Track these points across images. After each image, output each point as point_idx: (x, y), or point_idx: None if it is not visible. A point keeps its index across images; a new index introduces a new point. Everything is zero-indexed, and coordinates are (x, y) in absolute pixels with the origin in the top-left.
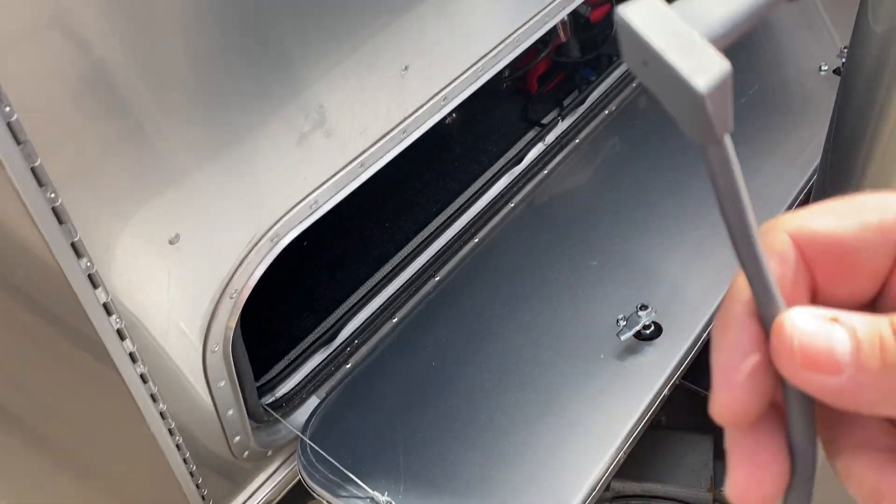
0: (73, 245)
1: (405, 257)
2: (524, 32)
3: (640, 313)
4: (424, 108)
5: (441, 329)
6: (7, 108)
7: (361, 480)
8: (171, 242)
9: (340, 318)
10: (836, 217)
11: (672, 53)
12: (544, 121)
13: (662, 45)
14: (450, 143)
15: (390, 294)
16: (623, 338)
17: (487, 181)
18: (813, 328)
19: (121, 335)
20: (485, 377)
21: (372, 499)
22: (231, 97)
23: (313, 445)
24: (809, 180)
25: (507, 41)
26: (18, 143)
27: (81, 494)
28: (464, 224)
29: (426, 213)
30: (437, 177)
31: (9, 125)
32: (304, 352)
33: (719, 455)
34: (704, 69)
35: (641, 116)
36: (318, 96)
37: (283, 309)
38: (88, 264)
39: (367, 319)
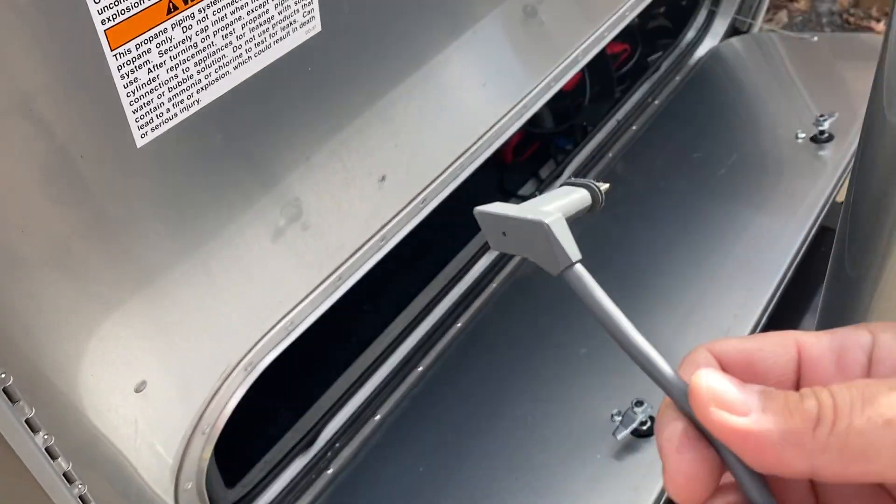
0: (27, 421)
1: (386, 347)
2: (503, 125)
3: (636, 409)
4: (403, 213)
5: (428, 429)
6: None
7: None
8: (136, 391)
9: (319, 419)
10: (747, 337)
11: (520, 212)
12: (521, 192)
13: (512, 212)
14: (426, 219)
15: (372, 389)
16: (619, 436)
17: (469, 260)
18: (723, 378)
19: (83, 501)
20: (475, 483)
21: None
22: (199, 199)
23: None
24: (798, 251)
25: (486, 136)
26: None
27: None
28: (446, 308)
29: (405, 296)
30: (413, 254)
31: None
32: (282, 460)
33: None
34: (544, 213)
35: (621, 188)
36: (294, 199)
37: (256, 410)
38: (46, 437)
39: (348, 419)
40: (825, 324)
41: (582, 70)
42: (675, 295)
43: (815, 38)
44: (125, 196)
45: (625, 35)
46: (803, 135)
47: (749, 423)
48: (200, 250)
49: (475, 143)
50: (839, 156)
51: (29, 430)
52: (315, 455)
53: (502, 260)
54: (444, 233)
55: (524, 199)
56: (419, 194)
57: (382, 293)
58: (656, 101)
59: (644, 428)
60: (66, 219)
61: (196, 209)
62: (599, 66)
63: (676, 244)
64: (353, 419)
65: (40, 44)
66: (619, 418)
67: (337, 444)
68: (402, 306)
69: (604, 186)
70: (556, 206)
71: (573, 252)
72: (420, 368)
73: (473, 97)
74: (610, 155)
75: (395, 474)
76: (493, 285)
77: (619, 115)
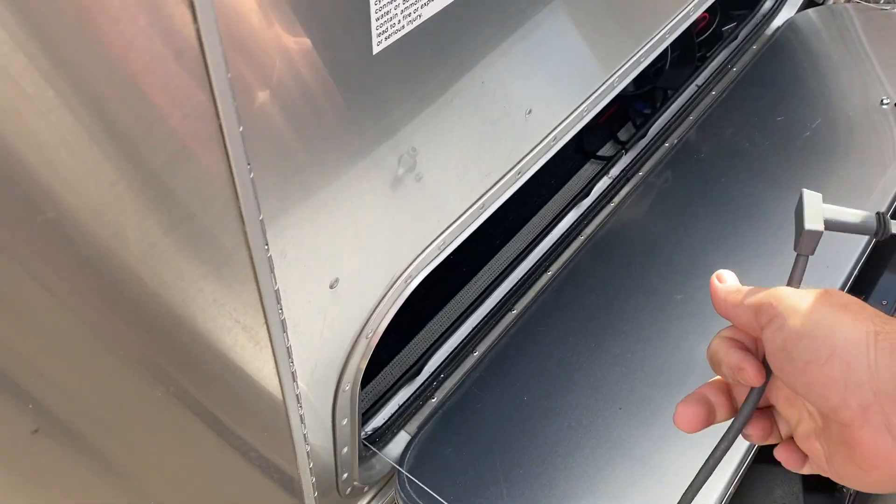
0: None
1: (482, 291)
2: (625, 71)
3: None
4: (539, 147)
5: (527, 363)
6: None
7: None
8: (331, 287)
9: (424, 353)
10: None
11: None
12: (603, 153)
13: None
14: None
15: (471, 328)
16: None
17: (557, 214)
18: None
19: (293, 377)
20: (580, 411)
21: None
22: (404, 106)
23: (414, 479)
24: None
25: (610, 79)
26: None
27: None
28: (537, 257)
29: (494, 246)
30: (501, 208)
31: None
32: (390, 387)
33: (809, 488)
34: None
35: (702, 151)
36: (419, 140)
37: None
38: (280, 310)
39: (450, 354)
40: None
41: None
42: (766, 252)
43: (895, 10)
44: (353, 98)
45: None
46: (888, 100)
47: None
48: (392, 156)
49: (606, 81)
50: None
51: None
52: (421, 384)
53: (595, 209)
54: (527, 190)
55: (603, 159)
56: (553, 130)
57: (476, 243)
58: (734, 69)
59: None
60: (311, 113)
61: (373, 124)
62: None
63: (763, 209)
64: (453, 354)
65: None
66: None
67: (441, 375)
68: (493, 255)
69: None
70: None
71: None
72: (515, 311)
73: (603, 40)
74: (690, 118)
75: (499, 402)
76: (581, 237)
77: (699, 80)
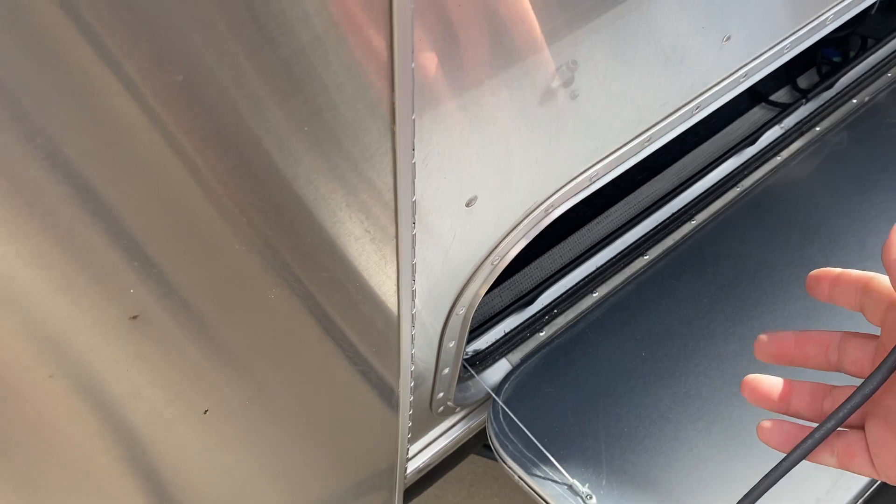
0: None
1: (616, 230)
2: (847, 5)
3: None
4: (727, 81)
5: (652, 316)
6: None
7: (559, 464)
8: (467, 205)
9: (540, 283)
10: None
11: None
12: (777, 99)
13: None
14: None
15: (596, 267)
16: None
17: (714, 161)
18: None
19: (413, 295)
20: (702, 381)
21: (571, 487)
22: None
23: (508, 411)
24: None
25: (827, 13)
26: None
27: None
28: (684, 203)
29: (633, 181)
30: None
31: None
32: (499, 312)
33: None
34: None
35: (895, 114)
36: (582, 54)
37: None
38: (413, 224)
39: (568, 290)
40: None
41: None
42: None
43: None
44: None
45: None
46: None
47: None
48: (548, 66)
49: (815, 18)
50: None
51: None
52: (531, 316)
53: (758, 161)
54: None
55: (778, 105)
56: (745, 65)
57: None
58: None
59: None
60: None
61: (572, 17)
62: None
63: None
64: (572, 291)
65: None
66: None
67: (555, 311)
68: (631, 191)
69: None
70: None
71: None
72: (647, 257)
73: None
74: (888, 76)
75: (613, 352)
76: (737, 188)
77: None
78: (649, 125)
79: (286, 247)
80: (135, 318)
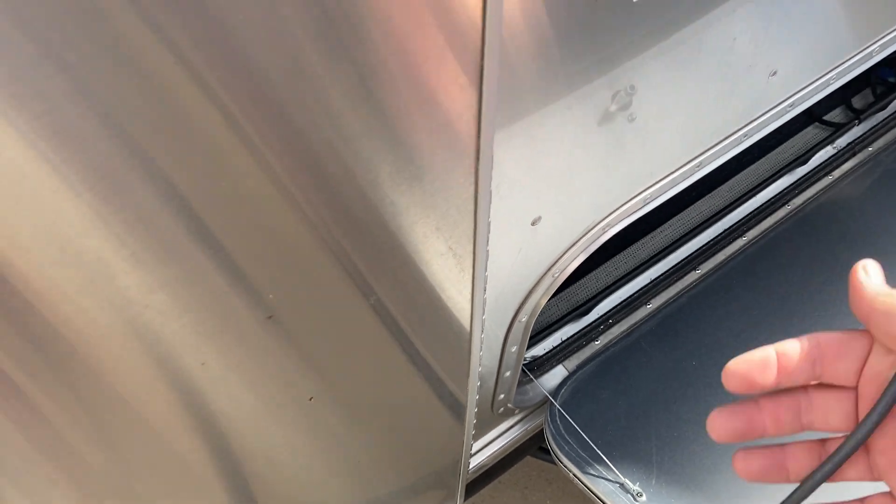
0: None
1: (669, 244)
2: (888, 41)
3: None
4: (775, 111)
5: (704, 327)
6: None
7: (612, 463)
8: (532, 224)
9: (596, 294)
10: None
11: None
12: (831, 118)
13: None
14: None
15: (651, 279)
16: None
17: (767, 179)
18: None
19: (484, 305)
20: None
21: (622, 485)
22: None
23: (565, 414)
24: None
25: (873, 46)
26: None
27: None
28: (736, 220)
29: (687, 198)
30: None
31: None
32: (557, 321)
33: None
34: None
35: None
36: (641, 79)
37: None
38: (486, 241)
39: (623, 301)
40: None
41: None
42: None
43: None
44: (567, 32)
45: None
46: None
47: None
48: (607, 90)
49: (863, 49)
50: None
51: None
52: (588, 325)
53: (810, 179)
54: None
55: (832, 125)
56: (792, 96)
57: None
58: None
59: None
60: (548, 52)
61: (628, 45)
62: None
63: None
64: (627, 302)
65: None
66: None
67: (610, 320)
68: (684, 207)
69: None
70: None
71: None
72: (699, 271)
73: (870, 3)
74: None
75: (665, 360)
76: (788, 206)
77: None
78: (700, 151)
79: (379, 266)
80: (270, 317)
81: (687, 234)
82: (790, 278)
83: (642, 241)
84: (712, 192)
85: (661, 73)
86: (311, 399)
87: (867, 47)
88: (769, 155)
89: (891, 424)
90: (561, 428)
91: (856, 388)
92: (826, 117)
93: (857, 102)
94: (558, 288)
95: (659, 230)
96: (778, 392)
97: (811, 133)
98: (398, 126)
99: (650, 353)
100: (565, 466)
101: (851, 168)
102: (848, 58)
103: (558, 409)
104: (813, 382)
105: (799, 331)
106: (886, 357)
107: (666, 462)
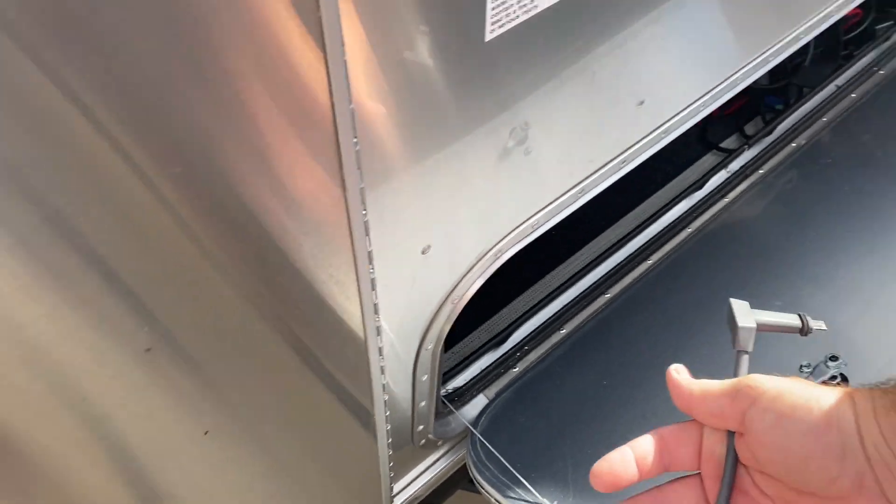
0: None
1: (578, 271)
2: (748, 70)
3: (829, 364)
4: (647, 139)
5: (612, 348)
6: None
7: (531, 485)
8: (422, 252)
9: (511, 323)
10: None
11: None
12: (726, 146)
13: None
14: None
15: (562, 305)
16: None
17: (667, 204)
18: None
19: (378, 331)
20: (656, 404)
21: None
22: (510, 89)
23: (485, 442)
24: None
25: (731, 78)
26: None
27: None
28: (640, 244)
29: (597, 227)
30: (609, 189)
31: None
32: (475, 351)
33: None
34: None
35: (832, 155)
36: (535, 117)
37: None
38: (371, 270)
39: (537, 328)
40: None
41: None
42: (885, 271)
43: None
44: (460, 82)
45: None
46: None
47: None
48: (481, 131)
49: (725, 79)
50: None
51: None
52: (504, 353)
53: (707, 202)
54: (640, 174)
55: (725, 151)
56: (665, 123)
57: (578, 222)
58: (882, 72)
59: (834, 383)
60: (419, 93)
61: (489, 94)
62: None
63: (886, 223)
64: (540, 329)
65: None
66: (809, 370)
67: (525, 347)
68: (593, 236)
69: (816, 324)
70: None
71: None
72: (608, 295)
73: (723, 37)
74: (824, 120)
75: (579, 382)
76: (688, 229)
77: (840, 80)
78: (580, 179)
79: (269, 290)
80: (148, 350)
81: (594, 260)
82: (689, 296)
83: (555, 271)
84: (619, 221)
85: (547, 109)
86: (206, 433)
87: (731, 76)
88: (671, 182)
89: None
90: (482, 455)
91: (699, 472)
92: (722, 144)
93: (749, 129)
94: (476, 320)
95: (571, 259)
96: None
97: (708, 160)
98: (265, 158)
99: (564, 377)
100: (487, 492)
101: (744, 190)
102: (713, 87)
103: (478, 437)
104: (663, 472)
105: (698, 345)
106: (714, 435)
107: (581, 479)
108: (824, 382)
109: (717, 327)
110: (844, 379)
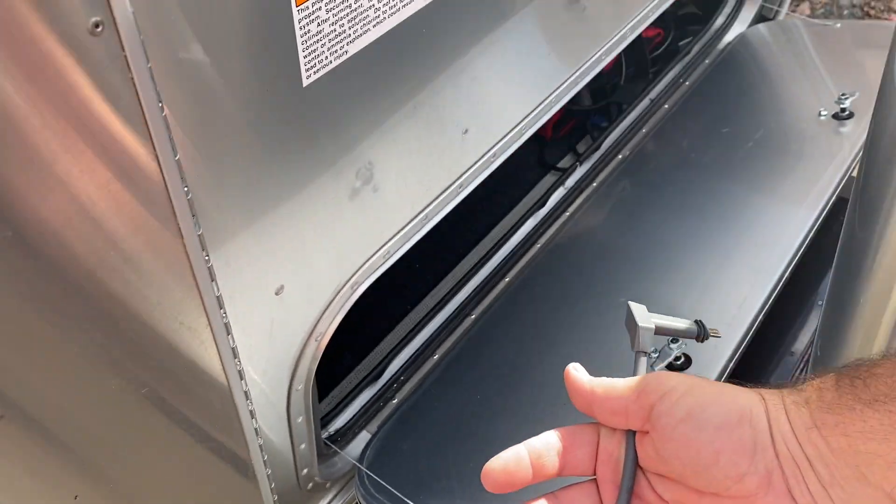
0: (217, 299)
1: (442, 297)
2: (560, 93)
3: (672, 346)
4: (479, 163)
5: (482, 364)
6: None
7: None
8: (276, 293)
9: (385, 356)
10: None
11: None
12: (561, 165)
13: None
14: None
15: (431, 333)
16: (657, 369)
17: (514, 224)
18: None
19: (240, 375)
20: (528, 409)
21: None
22: (337, 132)
23: (371, 474)
24: (817, 220)
25: (544, 102)
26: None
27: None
28: (495, 265)
29: (456, 255)
30: (462, 219)
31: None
32: (353, 389)
33: None
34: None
35: (653, 160)
36: (375, 155)
37: (330, 348)
38: (223, 314)
39: (410, 357)
40: (837, 281)
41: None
42: (708, 255)
43: (838, 25)
44: (286, 125)
45: (659, 20)
46: (825, 112)
47: (579, 376)
48: (328, 175)
49: (539, 104)
50: (859, 131)
51: (218, 306)
52: (382, 386)
53: (550, 219)
54: (490, 200)
55: (560, 170)
56: (492, 148)
57: (438, 252)
58: (687, 83)
59: (678, 363)
60: (247, 140)
61: (329, 140)
62: (634, 49)
63: (705, 214)
64: (414, 357)
65: (248, 2)
66: (656, 355)
67: (402, 378)
68: (454, 263)
69: (712, 331)
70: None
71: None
72: (473, 316)
73: (538, 65)
74: (643, 131)
75: (455, 402)
76: (538, 245)
77: (653, 94)
78: (422, 207)
79: (117, 344)
80: (1, 417)
81: (457, 284)
82: (546, 305)
83: (423, 300)
84: (477, 246)
85: (387, 147)
86: (76, 497)
87: (544, 101)
88: (518, 205)
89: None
90: (370, 488)
91: (594, 476)
92: (559, 165)
93: (580, 148)
94: (353, 359)
95: (437, 288)
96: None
97: (548, 179)
98: (97, 214)
99: (440, 398)
100: None
101: (582, 202)
102: (530, 112)
103: (365, 472)
104: (559, 474)
105: (559, 347)
106: (613, 437)
107: (467, 492)
108: (670, 364)
109: (574, 331)
110: (688, 359)
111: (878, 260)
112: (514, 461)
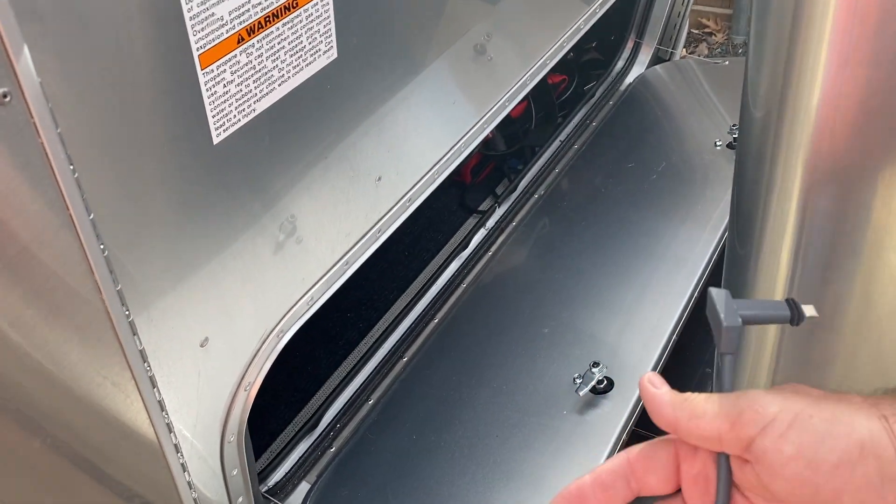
0: (140, 353)
1: (374, 342)
2: (469, 137)
3: (594, 370)
4: (395, 209)
5: (416, 404)
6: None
7: None
8: (201, 345)
9: (321, 405)
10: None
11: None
12: (482, 208)
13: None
14: (398, 234)
15: (364, 378)
16: (581, 393)
17: (440, 266)
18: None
19: (169, 429)
20: (462, 443)
21: None
22: (256, 186)
23: None
24: (721, 240)
25: (457, 146)
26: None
27: None
28: (423, 307)
29: (385, 300)
30: (389, 265)
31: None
32: (290, 440)
33: None
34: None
35: (567, 197)
36: (297, 208)
37: (263, 400)
38: (147, 367)
39: (345, 403)
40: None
41: (527, 99)
42: (622, 281)
43: (727, 62)
44: (201, 183)
45: (563, 66)
46: (720, 143)
47: (659, 393)
48: (252, 230)
49: (450, 149)
50: None
51: (143, 360)
52: (319, 435)
53: (473, 259)
54: (415, 246)
55: (482, 213)
56: (407, 193)
57: (368, 300)
58: (593, 123)
59: (601, 386)
60: (164, 198)
61: (250, 196)
62: (542, 95)
63: (618, 244)
64: (350, 403)
65: (154, 67)
66: (580, 380)
67: (338, 425)
68: (384, 309)
69: (808, 310)
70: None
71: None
72: (405, 358)
73: (448, 113)
74: (556, 170)
75: (391, 444)
76: (463, 285)
77: (562, 136)
78: (342, 253)
79: (35, 404)
80: None
81: (387, 329)
82: (474, 341)
83: (357, 349)
84: (406, 290)
85: (306, 199)
86: None
87: (455, 145)
88: (443, 248)
89: None
90: None
91: (680, 494)
92: (480, 207)
93: (499, 190)
94: (289, 411)
95: (368, 335)
96: None
97: (470, 222)
98: (13, 273)
99: (377, 442)
100: None
101: (503, 240)
102: (441, 157)
103: None
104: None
105: (490, 381)
106: (696, 456)
107: None
108: (593, 388)
109: (504, 363)
110: (610, 382)
111: (757, 276)
112: (577, 498)
